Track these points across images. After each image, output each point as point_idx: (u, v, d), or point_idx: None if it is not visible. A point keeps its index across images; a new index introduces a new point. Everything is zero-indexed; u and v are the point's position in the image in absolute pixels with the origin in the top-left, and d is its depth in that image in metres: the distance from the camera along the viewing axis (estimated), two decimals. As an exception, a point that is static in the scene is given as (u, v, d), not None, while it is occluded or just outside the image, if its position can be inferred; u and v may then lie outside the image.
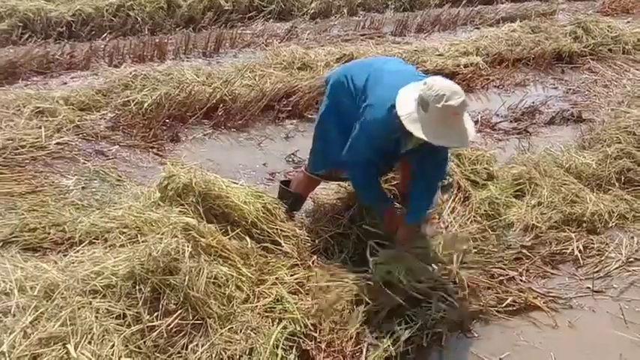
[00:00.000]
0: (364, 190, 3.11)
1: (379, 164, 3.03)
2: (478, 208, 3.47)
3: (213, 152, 4.20)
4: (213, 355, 2.40)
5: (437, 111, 2.55)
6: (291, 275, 2.91)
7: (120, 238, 2.80)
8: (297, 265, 3.00)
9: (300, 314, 2.64)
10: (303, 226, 3.32)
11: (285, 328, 2.57)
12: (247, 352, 2.44)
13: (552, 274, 3.17)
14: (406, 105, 2.64)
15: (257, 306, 2.68)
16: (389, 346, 2.56)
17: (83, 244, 2.79)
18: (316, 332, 2.62)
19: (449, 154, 3.14)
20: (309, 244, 3.20)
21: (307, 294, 2.83)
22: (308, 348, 2.55)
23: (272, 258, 3.02)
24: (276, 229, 3.15)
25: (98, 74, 5.11)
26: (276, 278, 2.86)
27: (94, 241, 2.83)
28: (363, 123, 2.85)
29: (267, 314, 2.67)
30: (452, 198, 3.60)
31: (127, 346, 2.27)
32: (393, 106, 2.68)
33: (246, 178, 3.76)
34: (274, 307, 2.69)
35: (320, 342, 2.59)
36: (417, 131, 2.59)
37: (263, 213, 3.17)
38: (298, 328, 2.59)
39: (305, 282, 2.90)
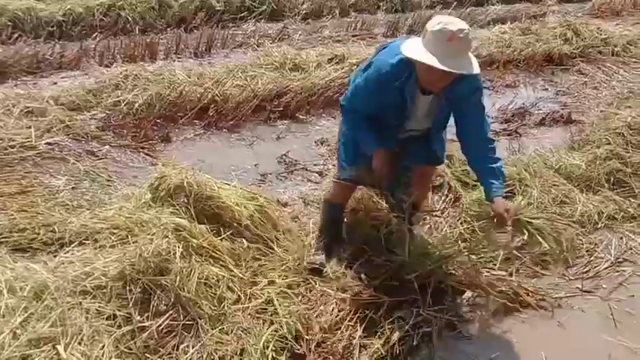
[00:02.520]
0: (350, 131, 2.93)
1: (374, 116, 2.84)
2: (468, 209, 3.48)
3: (205, 153, 4.19)
4: (204, 356, 2.39)
5: (433, 35, 2.46)
6: (283, 279, 2.89)
7: (110, 238, 2.79)
8: (289, 269, 2.98)
9: (291, 318, 2.63)
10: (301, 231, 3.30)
11: (275, 331, 2.56)
12: (238, 353, 2.44)
13: (542, 274, 3.18)
14: (410, 44, 2.58)
15: (248, 307, 2.68)
16: (380, 346, 2.57)
17: (73, 245, 2.78)
18: (307, 334, 2.61)
19: (481, 96, 2.82)
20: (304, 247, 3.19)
21: (298, 296, 2.82)
22: (299, 352, 2.54)
23: (264, 260, 3.01)
24: (270, 232, 3.16)
25: (89, 74, 5.09)
26: (269, 281, 2.86)
27: (84, 241, 2.82)
28: (367, 71, 2.77)
29: (258, 315, 2.66)
30: (442, 199, 3.62)
31: (117, 346, 2.26)
32: (399, 55, 2.61)
33: (237, 179, 3.75)
34: (266, 309, 2.68)
35: (310, 343, 2.58)
36: (412, 52, 2.51)
37: (258, 214, 3.16)
38: (288, 331, 2.58)
39: (296, 286, 2.88)
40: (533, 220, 2.88)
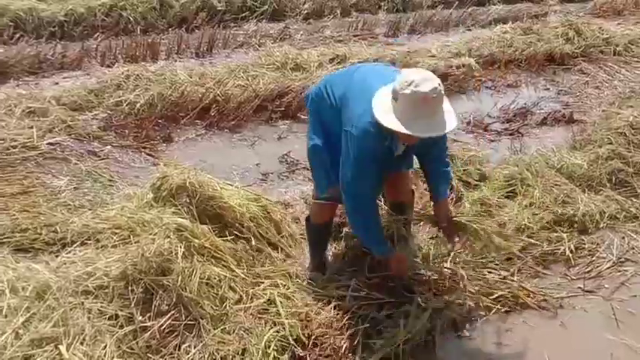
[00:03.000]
0: (364, 231, 2.81)
1: (378, 188, 2.86)
2: (470, 208, 3.48)
3: (206, 153, 4.20)
4: (206, 356, 2.39)
5: (405, 98, 2.35)
6: (284, 285, 2.87)
7: (112, 238, 2.79)
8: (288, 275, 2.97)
9: (291, 319, 2.62)
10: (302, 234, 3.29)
11: (277, 332, 2.55)
12: (240, 353, 2.44)
13: (544, 274, 3.18)
14: (381, 103, 2.45)
15: (250, 307, 2.68)
16: (381, 346, 2.56)
17: (75, 245, 2.78)
18: (305, 328, 2.61)
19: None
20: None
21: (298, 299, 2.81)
22: (300, 354, 2.53)
23: (266, 261, 3.01)
24: (273, 233, 3.16)
25: (90, 74, 5.10)
26: (271, 282, 2.85)
27: (86, 241, 2.82)
28: (350, 144, 2.56)
29: (260, 315, 2.66)
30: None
31: (119, 346, 2.26)
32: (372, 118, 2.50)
33: (239, 179, 3.76)
34: (267, 309, 2.68)
35: (309, 339, 2.57)
36: (388, 122, 2.39)
37: (262, 214, 3.16)
38: (290, 333, 2.58)
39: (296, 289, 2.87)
40: (468, 223, 2.91)
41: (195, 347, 2.40)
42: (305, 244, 3.21)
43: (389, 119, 2.40)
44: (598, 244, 3.41)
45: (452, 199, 3.60)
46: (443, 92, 2.41)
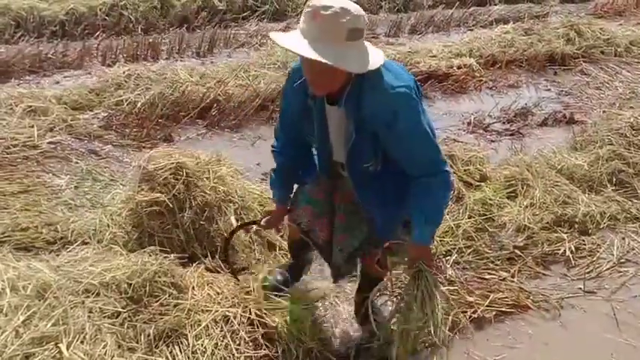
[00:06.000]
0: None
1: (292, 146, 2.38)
2: (472, 209, 3.48)
3: (207, 152, 4.19)
4: (208, 353, 2.39)
5: (302, 15, 1.97)
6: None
7: (113, 238, 2.79)
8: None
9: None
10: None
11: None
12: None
13: (544, 274, 3.18)
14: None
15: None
16: (381, 347, 2.56)
17: (76, 244, 2.78)
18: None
19: (407, 123, 2.02)
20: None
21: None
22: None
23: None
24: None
25: (91, 73, 5.10)
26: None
27: (86, 240, 2.82)
28: None
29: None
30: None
31: (119, 345, 2.26)
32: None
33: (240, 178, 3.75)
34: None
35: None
36: (274, 36, 1.99)
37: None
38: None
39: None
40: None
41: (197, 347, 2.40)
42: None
43: (276, 34, 2.02)
44: (598, 244, 3.41)
45: (453, 198, 3.58)
46: (345, 20, 1.89)
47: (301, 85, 2.12)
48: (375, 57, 2.00)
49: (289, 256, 2.92)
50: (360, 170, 2.18)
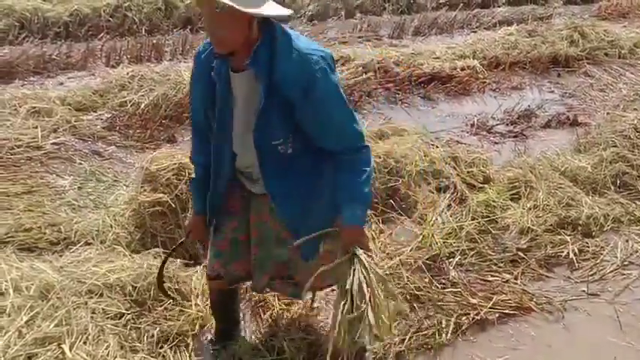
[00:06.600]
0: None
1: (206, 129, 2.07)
2: (475, 211, 3.48)
3: (210, 153, 4.20)
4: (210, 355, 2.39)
5: None
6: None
7: (116, 239, 2.79)
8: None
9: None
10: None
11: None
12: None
13: (547, 276, 3.17)
14: None
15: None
16: (383, 348, 2.56)
17: (79, 245, 2.79)
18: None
19: (324, 87, 1.89)
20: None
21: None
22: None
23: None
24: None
25: (95, 74, 5.12)
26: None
27: (90, 241, 2.83)
28: None
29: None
30: (449, 200, 3.61)
31: (122, 346, 2.27)
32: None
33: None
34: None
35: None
36: None
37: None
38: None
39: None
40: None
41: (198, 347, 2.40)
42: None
43: None
44: (602, 247, 3.40)
45: (456, 199, 3.58)
46: None
47: (206, 60, 1.95)
48: (280, 9, 1.86)
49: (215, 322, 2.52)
50: (270, 150, 1.95)
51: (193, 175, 2.22)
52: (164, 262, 2.32)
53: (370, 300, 1.91)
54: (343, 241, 2.00)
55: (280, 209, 2.05)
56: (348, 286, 1.91)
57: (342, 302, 1.92)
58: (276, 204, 2.04)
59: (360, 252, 1.97)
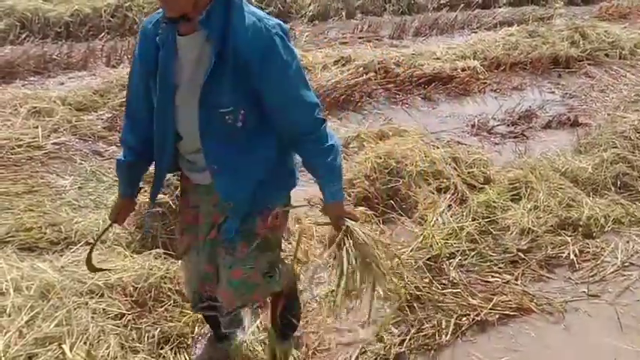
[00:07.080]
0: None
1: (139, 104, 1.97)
2: (475, 211, 3.48)
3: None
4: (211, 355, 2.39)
5: None
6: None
7: (117, 239, 2.79)
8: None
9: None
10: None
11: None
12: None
13: (548, 277, 3.17)
14: None
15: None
16: (383, 348, 2.56)
17: (80, 245, 2.79)
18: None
19: (281, 54, 1.84)
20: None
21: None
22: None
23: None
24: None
25: (96, 75, 5.12)
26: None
27: (90, 241, 2.83)
28: None
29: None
30: (449, 200, 3.61)
31: (122, 346, 2.27)
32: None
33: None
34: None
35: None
36: None
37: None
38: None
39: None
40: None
41: (199, 348, 2.40)
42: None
43: None
44: (602, 248, 3.39)
45: (456, 200, 3.58)
46: None
47: (154, 29, 1.87)
48: None
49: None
50: (215, 118, 1.82)
51: (120, 157, 2.05)
52: (92, 247, 2.20)
53: (373, 265, 1.99)
54: (330, 218, 2.01)
55: (218, 182, 1.92)
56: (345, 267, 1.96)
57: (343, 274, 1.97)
58: (215, 178, 1.91)
59: (351, 223, 1.99)
